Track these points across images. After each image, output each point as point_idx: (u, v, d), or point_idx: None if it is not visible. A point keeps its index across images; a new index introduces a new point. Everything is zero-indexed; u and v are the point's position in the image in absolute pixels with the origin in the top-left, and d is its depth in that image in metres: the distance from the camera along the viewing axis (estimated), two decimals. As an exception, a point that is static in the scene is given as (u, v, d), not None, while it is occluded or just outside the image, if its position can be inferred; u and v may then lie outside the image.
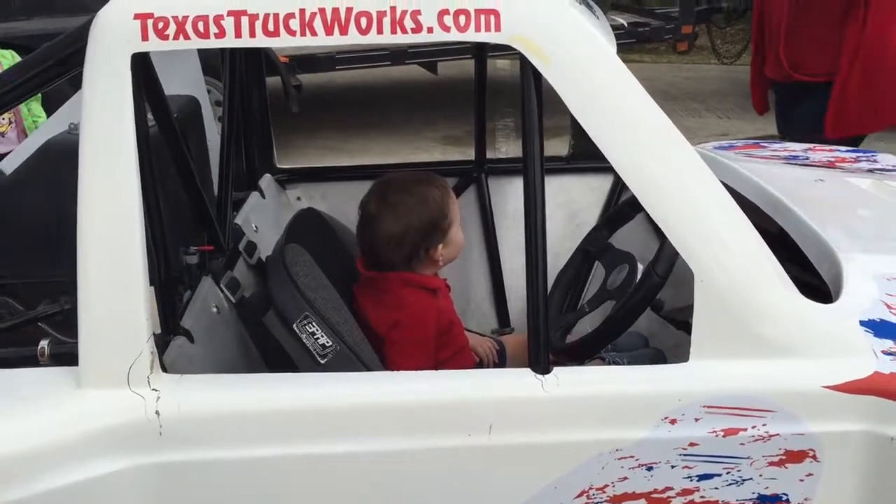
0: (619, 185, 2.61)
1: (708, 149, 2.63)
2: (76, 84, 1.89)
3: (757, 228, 1.50)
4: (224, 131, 2.11)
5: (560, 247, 2.30)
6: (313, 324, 1.73)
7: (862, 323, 1.49)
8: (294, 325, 1.74)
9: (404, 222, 1.91)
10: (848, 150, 2.73)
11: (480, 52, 2.61)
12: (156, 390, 1.42)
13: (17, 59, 4.29)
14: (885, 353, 1.45)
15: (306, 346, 1.71)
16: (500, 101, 6.44)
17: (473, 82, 2.63)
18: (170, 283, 1.62)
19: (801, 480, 1.46)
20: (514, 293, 2.61)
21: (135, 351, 1.41)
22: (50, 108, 4.00)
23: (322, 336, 1.71)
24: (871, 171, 2.44)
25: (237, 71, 2.19)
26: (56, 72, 1.54)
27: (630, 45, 7.33)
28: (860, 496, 1.47)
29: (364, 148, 6.07)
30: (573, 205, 2.64)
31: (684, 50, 7.06)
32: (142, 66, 1.40)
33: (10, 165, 2.18)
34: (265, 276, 1.98)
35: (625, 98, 1.41)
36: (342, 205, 2.36)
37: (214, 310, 1.83)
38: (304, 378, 1.55)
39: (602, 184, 2.66)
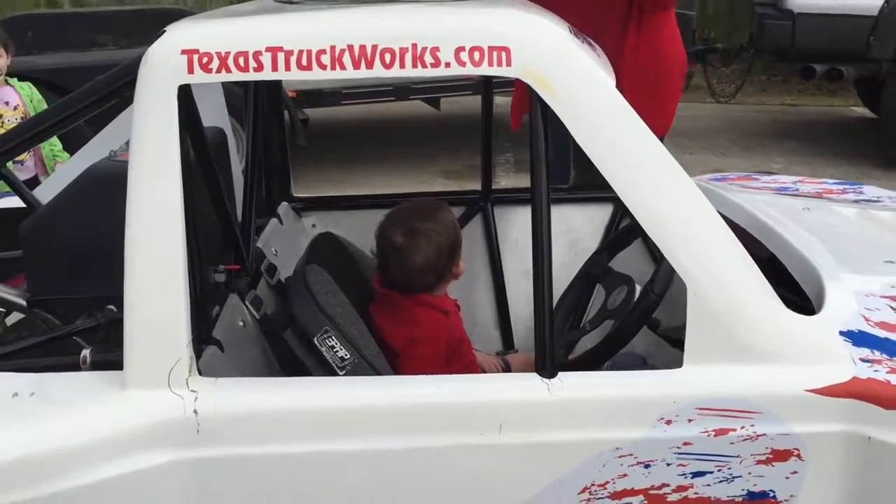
0: (617, 215, 2.75)
1: (703, 180, 2.78)
2: (94, 123, 2.05)
3: (749, 252, 1.64)
4: (248, 161, 2.26)
5: (561, 273, 2.42)
6: (332, 338, 1.87)
7: (841, 333, 1.63)
8: (315, 339, 1.88)
9: (436, 246, 2.05)
10: (836, 183, 2.88)
11: (487, 87, 2.76)
12: (194, 391, 1.54)
13: (34, 89, 4.49)
14: (862, 360, 1.58)
15: (325, 358, 1.84)
16: (500, 136, 6.61)
17: (475, 118, 2.77)
18: (204, 298, 1.75)
19: (787, 478, 1.59)
20: (518, 317, 2.74)
21: (175, 355, 1.54)
22: (69, 142, 4.17)
23: (341, 349, 1.85)
24: (856, 201, 2.59)
25: (259, 107, 2.34)
26: (110, 100, 1.69)
27: (624, 82, 7.51)
28: (842, 492, 1.59)
29: (367, 181, 6.22)
30: (573, 233, 2.78)
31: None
32: (185, 98, 1.55)
33: (46, 194, 2.32)
34: (286, 295, 2.11)
35: (624, 128, 1.56)
36: (354, 231, 2.49)
37: (241, 324, 1.96)
38: (329, 381, 1.68)
39: (601, 213, 2.80)
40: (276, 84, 2.65)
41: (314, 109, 6.29)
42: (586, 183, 2.80)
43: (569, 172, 2.98)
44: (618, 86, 1.58)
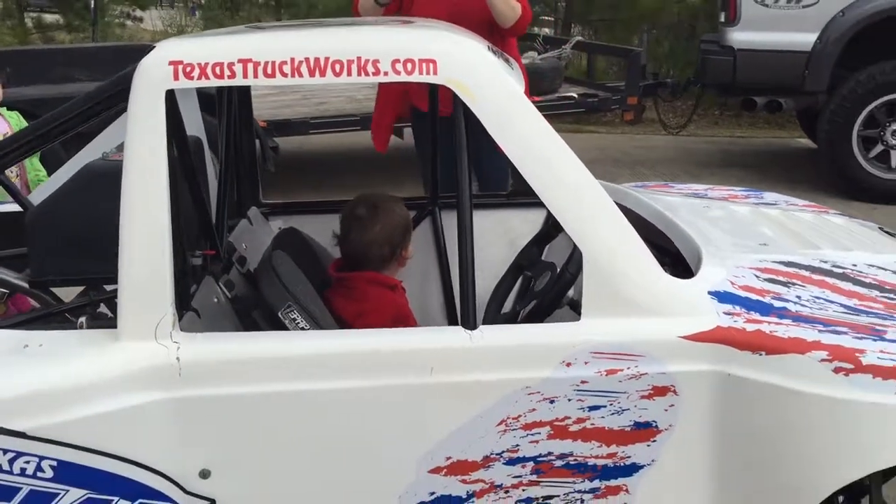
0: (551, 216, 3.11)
1: (627, 186, 3.15)
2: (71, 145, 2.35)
3: (652, 239, 1.98)
4: (221, 164, 2.60)
5: (501, 269, 2.78)
6: (294, 311, 2.20)
7: (710, 293, 1.99)
8: (279, 313, 2.21)
9: (392, 224, 2.41)
10: (741, 190, 3.28)
11: (433, 109, 3.12)
12: (176, 342, 1.86)
13: (22, 118, 4.81)
14: (725, 313, 1.94)
15: (288, 329, 2.17)
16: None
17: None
18: (184, 274, 2.08)
19: (666, 410, 1.93)
20: None
21: (161, 312, 1.86)
22: (47, 165, 4.50)
23: (302, 321, 2.18)
24: (755, 204, 2.97)
25: (231, 116, 2.68)
26: (106, 105, 2.02)
27: (580, 114, 7.95)
28: (711, 420, 1.93)
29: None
30: (512, 233, 3.13)
31: (630, 119, 7.68)
32: (170, 103, 1.89)
33: (42, 198, 2.63)
34: (255, 280, 2.44)
35: (531, 126, 1.91)
36: (318, 233, 2.83)
37: (215, 300, 2.28)
38: (291, 334, 2.01)
39: (538, 217, 3.16)
40: (248, 112, 2.99)
41: (283, 138, 6.64)
42: (524, 190, 3.16)
43: (507, 181, 3.35)
44: None
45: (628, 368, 1.91)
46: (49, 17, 12.93)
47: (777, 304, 1.99)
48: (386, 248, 2.40)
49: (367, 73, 1.87)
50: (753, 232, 2.51)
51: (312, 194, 6.91)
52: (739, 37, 6.85)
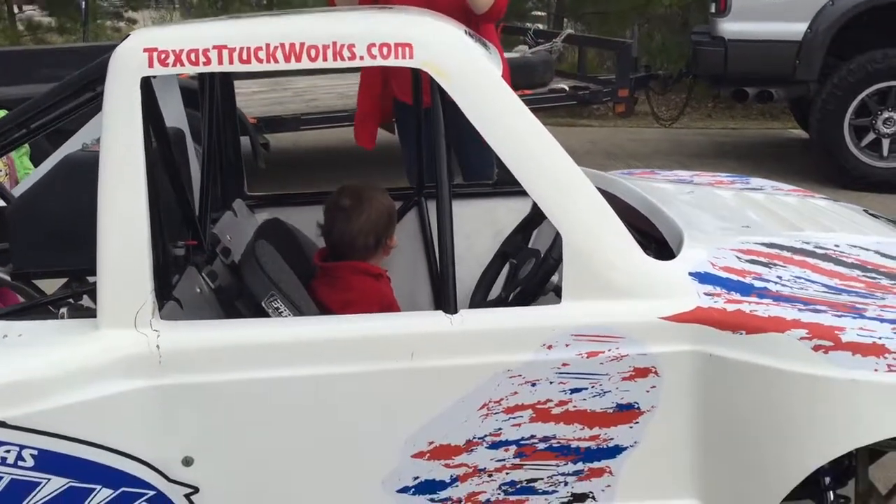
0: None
1: (613, 173, 3.15)
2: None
3: (635, 224, 1.98)
4: (204, 156, 2.59)
5: (487, 259, 2.78)
6: (277, 300, 2.20)
7: (690, 273, 1.98)
8: (263, 303, 2.21)
9: (378, 212, 2.42)
10: (727, 175, 3.27)
11: (417, 101, 3.12)
12: (156, 330, 1.86)
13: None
14: (705, 294, 1.94)
15: (272, 318, 2.17)
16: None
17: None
18: (166, 263, 2.07)
19: (648, 391, 1.93)
20: None
21: (141, 300, 1.86)
22: (36, 163, 4.50)
23: (285, 310, 2.18)
24: (740, 189, 2.97)
25: (214, 108, 2.68)
26: (83, 93, 2.02)
27: (573, 107, 7.94)
28: (693, 401, 1.93)
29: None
30: (498, 224, 3.12)
31: (622, 112, 7.67)
32: (146, 90, 1.88)
33: (23, 190, 2.63)
34: (238, 270, 2.44)
35: (507, 107, 1.91)
36: (303, 224, 2.83)
37: (198, 290, 2.28)
38: (274, 321, 2.01)
39: (524, 206, 3.15)
40: (231, 104, 2.98)
41: (278, 136, 6.64)
42: (510, 180, 3.16)
43: (493, 171, 3.35)
44: None
45: (609, 350, 1.90)
46: (45, 20, 12.92)
47: (758, 284, 1.98)
48: (371, 238, 2.40)
49: (342, 58, 1.86)
50: (737, 215, 2.51)
51: (305, 189, 6.92)
52: (730, 27, 6.85)
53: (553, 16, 12.21)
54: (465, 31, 2.03)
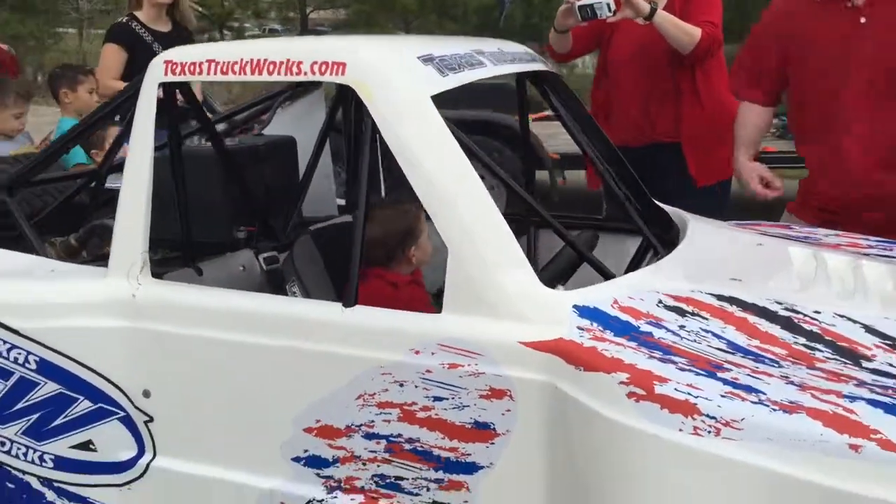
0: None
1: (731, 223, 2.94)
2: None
3: None
4: (309, 162, 3.02)
5: None
6: (295, 286, 2.55)
7: (575, 306, 1.92)
8: (286, 286, 2.58)
9: (385, 228, 2.65)
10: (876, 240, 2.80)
11: None
12: (140, 284, 2.31)
13: None
14: (578, 328, 1.88)
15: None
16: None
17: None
18: (189, 233, 2.52)
19: (503, 414, 1.92)
20: None
21: (133, 258, 2.33)
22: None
23: (298, 295, 2.52)
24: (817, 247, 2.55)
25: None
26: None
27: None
28: (546, 434, 1.88)
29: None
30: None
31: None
32: (167, 93, 2.36)
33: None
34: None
35: (419, 129, 2.04)
36: None
37: (241, 268, 2.71)
38: (220, 291, 2.35)
39: (627, 247, 3.08)
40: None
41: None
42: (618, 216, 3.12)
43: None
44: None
45: (468, 365, 1.94)
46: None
47: (645, 328, 1.86)
48: (380, 251, 2.61)
49: (291, 73, 2.16)
50: (762, 269, 2.29)
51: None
52: None
53: None
54: (426, 57, 2.19)
